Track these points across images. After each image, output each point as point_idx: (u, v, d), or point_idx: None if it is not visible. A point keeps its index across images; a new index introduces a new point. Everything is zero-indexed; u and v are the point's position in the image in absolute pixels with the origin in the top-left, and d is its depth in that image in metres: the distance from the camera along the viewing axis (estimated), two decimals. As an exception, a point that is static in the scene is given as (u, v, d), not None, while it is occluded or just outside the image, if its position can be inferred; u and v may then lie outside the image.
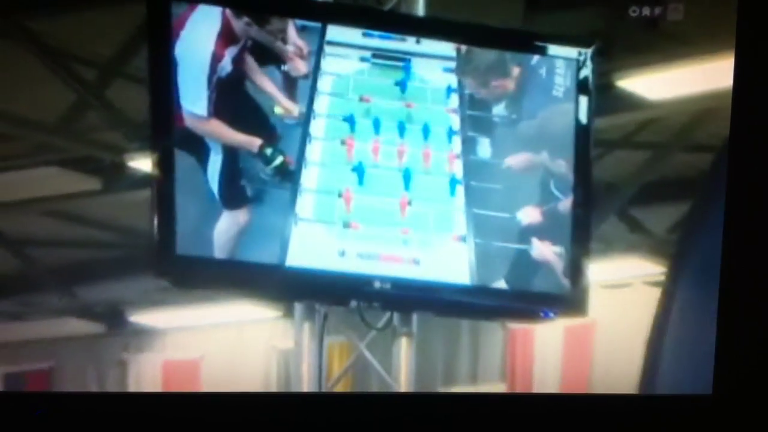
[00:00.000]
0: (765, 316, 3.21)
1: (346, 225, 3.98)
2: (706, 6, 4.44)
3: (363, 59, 4.20)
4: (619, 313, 4.48)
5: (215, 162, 3.95)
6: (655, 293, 4.21)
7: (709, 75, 4.26)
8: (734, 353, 3.14)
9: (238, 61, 3.97)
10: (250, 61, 4.01)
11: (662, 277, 4.20)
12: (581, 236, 4.21)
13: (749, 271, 3.23)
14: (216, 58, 3.91)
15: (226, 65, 3.93)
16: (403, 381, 4.27)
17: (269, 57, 4.01)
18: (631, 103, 4.42)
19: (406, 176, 4.06)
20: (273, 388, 5.07)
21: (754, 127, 3.61)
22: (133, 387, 5.41)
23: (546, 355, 5.09)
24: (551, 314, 4.33)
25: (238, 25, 3.95)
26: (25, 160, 4.66)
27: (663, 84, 4.39)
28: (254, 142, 3.94)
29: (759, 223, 3.42)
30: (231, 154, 3.97)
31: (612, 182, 4.62)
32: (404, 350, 4.24)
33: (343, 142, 4.11)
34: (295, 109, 4.07)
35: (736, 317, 3.24)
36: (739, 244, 3.46)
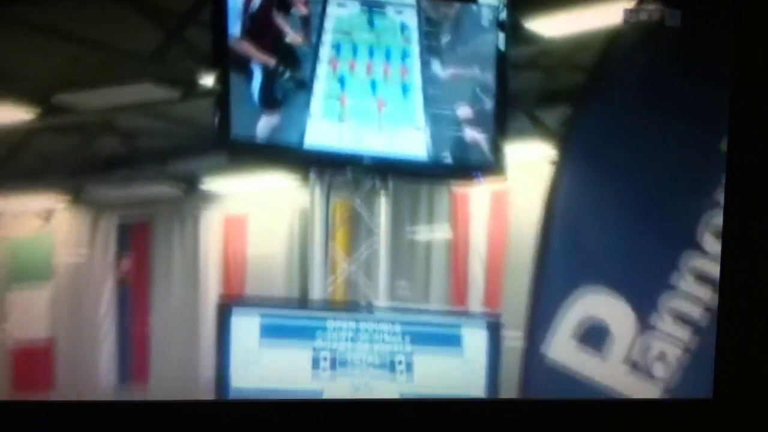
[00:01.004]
0: (764, 322, 2.59)
1: (341, 119, 4.20)
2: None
3: (354, 7, 4.34)
4: (527, 182, 4.67)
5: (257, 78, 4.15)
6: (551, 168, 4.39)
7: (585, 19, 4.38)
8: (734, 359, 2.54)
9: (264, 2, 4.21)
10: (272, 5, 4.20)
11: (555, 157, 4.39)
12: (500, 127, 4.38)
13: (749, 278, 2.58)
14: None
15: (255, 3, 4.14)
16: (382, 225, 4.53)
17: (289, 4, 4.22)
18: (533, 37, 4.59)
19: (384, 86, 4.29)
20: (295, 236, 5.41)
21: (753, 128, 2.95)
22: (203, 236, 5.72)
23: (478, 209, 5.36)
24: (481, 178, 4.54)
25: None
26: (131, 79, 5.02)
27: (554, 25, 4.51)
28: (270, 61, 4.16)
29: (759, 232, 2.73)
30: (268, 72, 4.17)
31: (520, 91, 4.83)
32: (383, 204, 4.49)
33: (342, 62, 4.28)
34: (300, 38, 4.23)
35: (735, 323, 2.63)
36: (738, 251, 2.81)
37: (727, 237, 2.71)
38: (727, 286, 2.67)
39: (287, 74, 4.27)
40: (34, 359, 5.75)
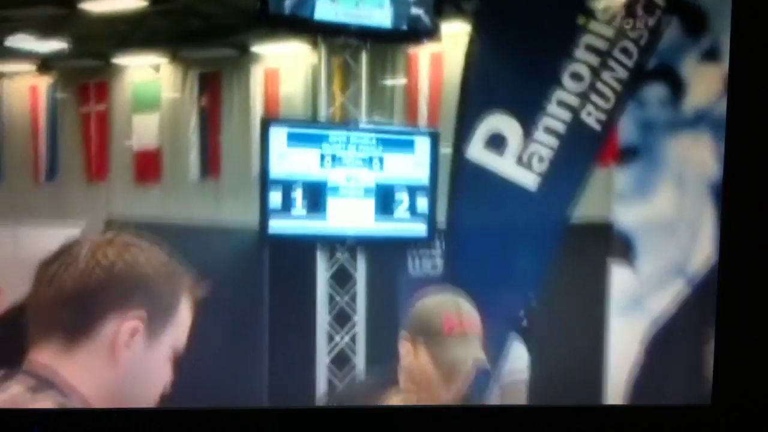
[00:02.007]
0: (763, 327, 1.90)
1: (335, 1, 4.20)
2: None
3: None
4: (455, 46, 4.66)
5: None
6: (469, 37, 4.38)
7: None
8: (732, 365, 1.87)
9: None
10: None
11: (472, 30, 4.37)
12: (437, 8, 4.43)
13: (747, 281, 1.88)
14: None
15: None
16: (363, 71, 4.56)
17: None
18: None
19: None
20: (309, 81, 5.57)
21: (751, 128, 2.08)
22: (252, 82, 5.82)
23: (423, 64, 5.44)
24: (425, 40, 4.65)
25: None
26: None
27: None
28: None
29: (757, 235, 1.99)
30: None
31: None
32: (364, 58, 4.53)
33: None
34: None
35: (734, 328, 1.91)
36: (736, 254, 2.08)
37: (724, 240, 1.90)
38: (724, 290, 1.91)
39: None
40: (148, 162, 5.87)
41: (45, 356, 1.44)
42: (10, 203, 5.55)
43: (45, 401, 1.44)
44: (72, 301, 1.43)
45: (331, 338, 4.88)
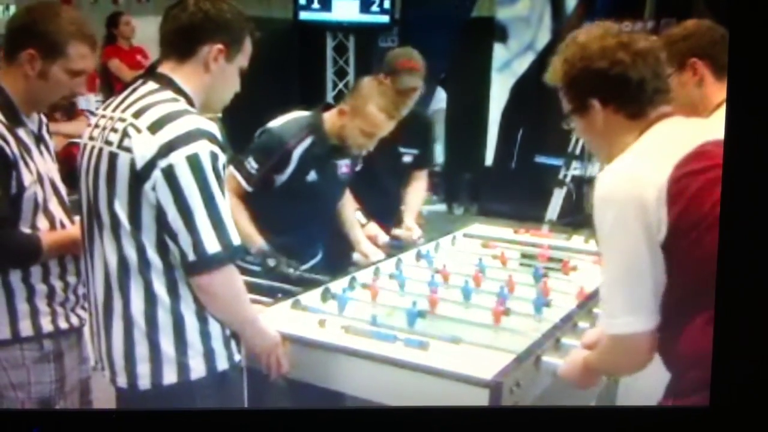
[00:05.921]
0: (764, 325, 1.47)
1: None
2: None
3: None
4: None
5: None
6: None
7: None
8: (733, 365, 1.45)
9: None
10: None
11: None
12: None
13: (747, 280, 1.46)
14: None
15: None
16: None
17: None
18: None
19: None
20: None
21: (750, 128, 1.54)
22: None
23: None
24: None
25: None
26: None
27: None
28: None
29: (758, 233, 1.54)
30: None
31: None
32: None
33: None
34: None
35: (734, 327, 1.46)
36: (737, 254, 1.51)
37: (724, 239, 1.53)
38: (725, 289, 1.50)
39: None
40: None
41: (165, 68, 1.76)
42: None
43: (168, 94, 1.71)
44: (182, 32, 1.74)
45: (334, 85, 6.46)
